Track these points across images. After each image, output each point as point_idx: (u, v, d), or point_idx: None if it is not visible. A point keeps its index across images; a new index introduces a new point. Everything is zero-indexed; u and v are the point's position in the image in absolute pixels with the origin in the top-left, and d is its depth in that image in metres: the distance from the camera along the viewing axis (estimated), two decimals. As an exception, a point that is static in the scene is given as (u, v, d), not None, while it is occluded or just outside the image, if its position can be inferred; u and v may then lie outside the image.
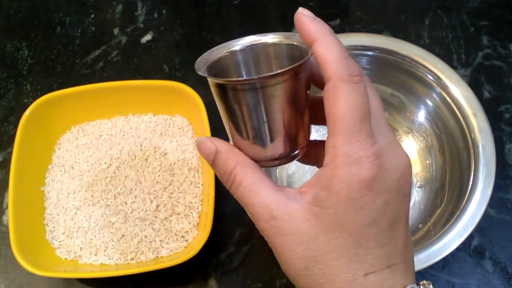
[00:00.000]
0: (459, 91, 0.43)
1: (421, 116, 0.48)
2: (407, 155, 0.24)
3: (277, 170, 0.48)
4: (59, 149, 0.50)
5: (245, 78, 0.27)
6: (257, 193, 0.24)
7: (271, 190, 0.24)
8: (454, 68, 0.53)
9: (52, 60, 0.60)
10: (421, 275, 0.45)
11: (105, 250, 0.44)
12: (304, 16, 0.24)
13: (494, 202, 0.48)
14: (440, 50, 0.58)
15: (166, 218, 0.45)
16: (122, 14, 0.63)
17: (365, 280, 0.22)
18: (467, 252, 0.46)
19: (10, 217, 0.42)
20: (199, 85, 0.50)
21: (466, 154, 0.42)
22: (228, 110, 0.25)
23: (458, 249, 0.37)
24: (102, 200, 0.46)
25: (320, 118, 0.27)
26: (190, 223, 0.45)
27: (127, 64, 0.59)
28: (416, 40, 0.59)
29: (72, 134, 0.50)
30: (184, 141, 0.49)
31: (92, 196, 0.46)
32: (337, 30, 0.60)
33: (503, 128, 0.52)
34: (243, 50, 0.27)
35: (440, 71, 0.44)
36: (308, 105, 0.25)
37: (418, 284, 0.24)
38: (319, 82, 0.25)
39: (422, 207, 0.46)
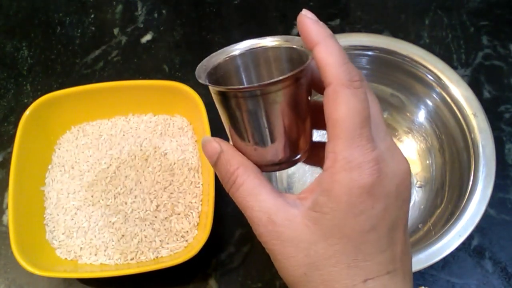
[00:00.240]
0: (459, 91, 0.43)
1: (421, 116, 0.48)
2: (406, 160, 0.24)
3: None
4: (59, 149, 0.50)
5: (246, 86, 0.27)
6: (257, 197, 0.24)
7: (271, 195, 0.24)
8: (454, 68, 0.53)
9: (52, 60, 0.60)
10: (421, 275, 0.45)
11: (105, 250, 0.44)
12: (307, 18, 0.24)
13: (494, 202, 0.48)
14: (440, 50, 0.58)
15: (166, 218, 0.45)
16: (122, 14, 0.63)
17: (365, 286, 0.22)
18: (467, 252, 0.46)
19: (10, 217, 0.42)
20: (199, 85, 0.50)
21: (466, 154, 0.42)
22: (230, 116, 0.25)
23: (458, 249, 0.37)
24: (102, 200, 0.46)
25: (321, 123, 0.27)
26: (190, 223, 0.45)
27: (127, 64, 0.59)
28: (416, 40, 0.59)
29: (72, 134, 0.50)
30: (184, 141, 0.49)
31: (92, 196, 0.46)
32: (337, 30, 0.60)
33: (503, 128, 0.52)
34: (242, 55, 0.27)
35: (440, 71, 0.44)
36: (310, 109, 0.25)
37: None
38: (319, 86, 0.25)
39: (422, 207, 0.46)
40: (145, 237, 0.44)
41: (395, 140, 0.50)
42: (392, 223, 0.23)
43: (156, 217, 0.45)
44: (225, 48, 0.27)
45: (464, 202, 0.39)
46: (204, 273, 0.46)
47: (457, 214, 0.39)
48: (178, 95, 0.48)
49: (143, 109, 0.51)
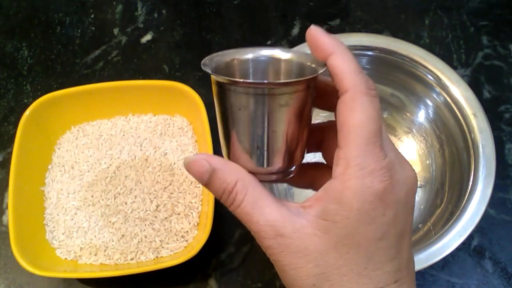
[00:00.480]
0: (459, 91, 0.43)
1: (421, 116, 0.48)
2: (412, 167, 0.24)
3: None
4: (59, 149, 0.50)
5: (257, 81, 0.25)
6: (261, 210, 0.23)
7: (274, 206, 0.23)
8: (454, 68, 0.53)
9: (52, 60, 0.60)
10: (421, 275, 0.45)
11: (105, 250, 0.44)
12: (317, 32, 0.24)
13: (494, 202, 0.48)
14: (440, 50, 0.58)
15: (166, 218, 0.45)
16: (122, 14, 0.63)
17: None
18: (467, 252, 0.46)
19: (10, 217, 0.42)
20: (199, 85, 0.50)
21: (466, 154, 0.42)
22: (230, 114, 0.24)
23: (458, 249, 0.37)
24: (102, 200, 0.46)
25: (312, 145, 0.27)
26: (190, 223, 0.45)
27: (127, 64, 0.59)
28: (416, 40, 0.59)
29: (72, 134, 0.50)
30: (184, 141, 0.49)
31: (92, 196, 0.46)
32: (337, 30, 0.60)
33: (503, 128, 0.52)
34: (255, 60, 0.26)
35: (440, 71, 0.44)
36: (310, 123, 0.25)
37: None
38: (325, 100, 0.25)
39: (422, 207, 0.46)
40: (145, 237, 0.44)
41: (395, 139, 0.50)
42: (401, 230, 0.23)
43: (156, 217, 0.45)
44: (238, 49, 0.26)
45: (464, 202, 0.39)
46: (204, 273, 0.46)
47: (457, 214, 0.39)
48: (178, 95, 0.48)
49: (143, 109, 0.51)
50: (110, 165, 0.48)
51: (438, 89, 0.45)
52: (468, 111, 0.43)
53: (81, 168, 0.48)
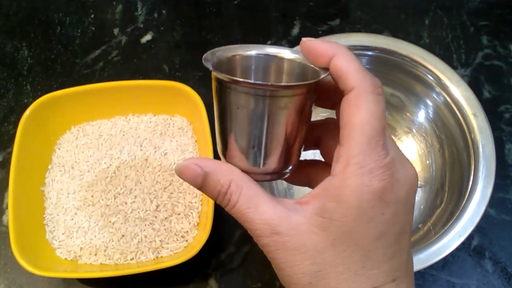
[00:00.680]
0: (459, 91, 0.43)
1: (421, 116, 0.48)
2: (413, 167, 0.24)
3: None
4: (59, 149, 0.50)
5: (257, 82, 0.25)
6: (256, 209, 0.23)
7: (269, 204, 0.23)
8: (454, 68, 0.53)
9: (52, 60, 0.60)
10: (421, 275, 0.45)
11: (105, 250, 0.44)
12: (312, 41, 0.24)
13: (494, 202, 0.48)
14: (440, 50, 0.58)
15: (166, 218, 0.45)
16: (122, 14, 0.63)
17: None
18: (467, 252, 0.46)
19: (10, 217, 0.42)
20: (199, 85, 0.50)
21: (466, 154, 0.42)
22: (228, 112, 0.24)
23: (458, 249, 0.37)
24: (102, 200, 0.46)
25: (310, 142, 0.27)
26: (190, 223, 0.45)
27: (127, 64, 0.59)
28: (416, 40, 0.59)
29: (72, 134, 0.50)
30: (184, 141, 0.49)
31: (92, 196, 0.46)
32: (337, 30, 0.60)
33: (503, 128, 0.52)
34: (258, 57, 0.26)
35: (440, 71, 0.44)
36: (308, 125, 0.25)
37: None
38: (328, 99, 0.25)
39: (422, 207, 0.46)
40: (145, 237, 0.44)
41: (395, 139, 0.50)
42: (400, 229, 0.23)
43: (156, 217, 0.45)
44: (242, 45, 0.26)
45: (464, 202, 0.39)
46: (204, 273, 0.46)
47: (457, 214, 0.39)
48: (178, 95, 0.48)
49: (143, 109, 0.51)
50: (110, 165, 0.48)
51: (438, 89, 0.45)
52: (468, 111, 0.43)
53: (81, 168, 0.48)
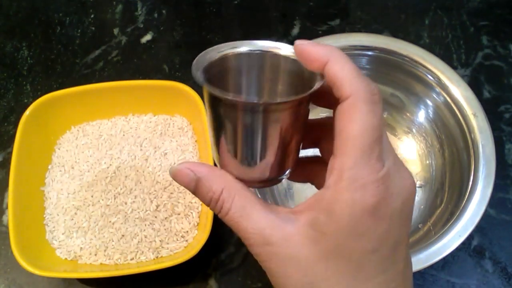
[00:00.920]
0: (459, 91, 0.43)
1: (421, 116, 0.48)
2: (411, 175, 0.23)
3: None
4: (59, 149, 0.50)
5: (252, 100, 0.24)
6: (248, 218, 0.23)
7: (262, 213, 0.23)
8: (454, 68, 0.53)
9: (52, 60, 0.60)
10: (421, 275, 0.45)
11: (105, 250, 0.44)
12: (304, 44, 0.23)
13: (494, 202, 0.48)
14: (440, 50, 0.58)
15: (166, 218, 0.45)
16: (122, 14, 0.63)
17: None
18: (467, 252, 0.46)
19: (10, 217, 0.42)
20: (199, 85, 0.50)
21: (466, 154, 0.42)
22: (220, 123, 0.23)
23: (458, 249, 0.37)
24: (102, 200, 0.46)
25: (309, 142, 0.27)
26: (190, 223, 0.45)
27: (127, 64, 0.59)
28: (416, 40, 0.59)
29: (72, 134, 0.50)
30: (184, 141, 0.49)
31: (92, 196, 0.46)
32: (337, 30, 0.60)
33: (503, 128, 0.52)
34: (251, 55, 0.25)
35: (440, 71, 0.44)
36: (304, 132, 0.24)
37: None
38: (326, 101, 0.24)
39: (422, 207, 0.46)
40: (145, 237, 0.44)
41: (395, 139, 0.50)
42: (395, 242, 0.22)
43: (156, 217, 0.45)
44: (233, 42, 0.25)
45: (464, 202, 0.39)
46: (204, 273, 0.46)
47: (457, 214, 0.39)
48: (178, 95, 0.48)
49: (143, 109, 0.51)
50: (110, 165, 0.48)
51: (438, 89, 0.45)
52: (468, 111, 0.43)
53: (81, 168, 0.48)
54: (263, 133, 0.22)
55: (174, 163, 0.48)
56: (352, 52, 0.46)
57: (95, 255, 0.44)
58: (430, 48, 0.56)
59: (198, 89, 0.47)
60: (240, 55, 0.25)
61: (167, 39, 0.61)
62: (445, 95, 0.44)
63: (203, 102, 0.46)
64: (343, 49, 0.46)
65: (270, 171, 0.24)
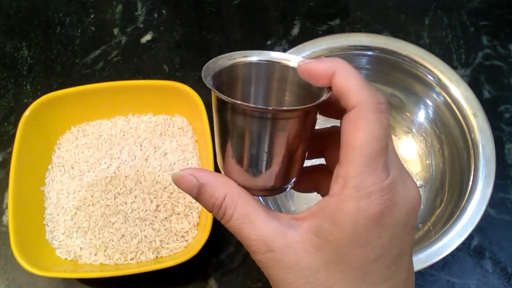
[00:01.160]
0: (459, 91, 0.43)
1: (421, 116, 0.48)
2: (416, 185, 0.23)
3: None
4: (59, 149, 0.50)
5: (261, 107, 0.25)
6: (251, 225, 0.23)
7: (265, 219, 0.23)
8: (454, 68, 0.53)
9: (52, 60, 0.60)
10: (421, 275, 0.45)
11: (105, 250, 0.44)
12: (307, 63, 0.23)
13: (494, 202, 0.48)
14: (440, 50, 0.58)
15: (166, 218, 0.45)
16: (122, 14, 0.63)
17: None
18: (467, 252, 0.46)
19: (10, 217, 0.42)
20: (199, 85, 0.50)
21: (466, 154, 0.42)
22: (227, 128, 0.23)
23: (458, 249, 0.37)
24: (102, 200, 0.46)
25: (314, 151, 0.27)
26: (190, 223, 0.45)
27: (127, 64, 0.59)
28: (416, 40, 0.59)
29: (72, 134, 0.50)
30: (184, 141, 0.49)
31: (92, 196, 0.46)
32: (337, 30, 0.60)
33: (503, 128, 0.52)
34: (260, 64, 0.25)
35: (440, 71, 0.44)
36: (309, 142, 0.25)
37: None
38: (333, 111, 0.24)
39: (422, 207, 0.46)
40: (145, 237, 0.44)
41: (395, 139, 0.50)
42: (399, 251, 0.22)
43: (156, 217, 0.45)
44: (243, 51, 0.25)
45: (464, 202, 0.39)
46: (204, 273, 0.46)
47: (457, 214, 0.39)
48: (178, 95, 0.48)
49: (143, 109, 0.51)
50: (110, 165, 0.48)
51: (438, 89, 0.45)
52: (468, 111, 0.43)
53: (81, 168, 0.48)
54: (269, 141, 0.23)
55: (174, 163, 0.48)
56: (352, 52, 0.46)
57: (95, 255, 0.44)
58: (430, 48, 0.57)
59: (198, 89, 0.47)
60: (249, 64, 0.25)
61: (167, 39, 0.61)
62: (445, 95, 0.44)
63: (203, 102, 0.46)
64: (343, 49, 0.46)
65: (275, 179, 0.24)
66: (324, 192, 0.27)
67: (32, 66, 0.60)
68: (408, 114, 0.49)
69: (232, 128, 0.23)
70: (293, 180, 0.25)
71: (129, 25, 0.62)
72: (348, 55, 0.46)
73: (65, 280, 0.46)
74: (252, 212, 0.23)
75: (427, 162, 0.48)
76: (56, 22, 0.63)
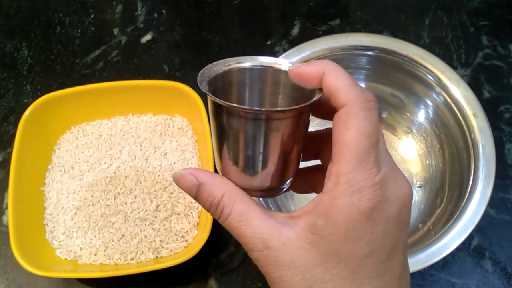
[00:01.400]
0: (459, 91, 0.43)
1: (421, 116, 0.48)
2: (408, 182, 0.24)
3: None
4: (59, 149, 0.50)
5: (255, 108, 0.26)
6: (248, 223, 0.23)
7: (261, 218, 0.23)
8: (454, 68, 0.53)
9: (52, 60, 0.60)
10: (421, 275, 0.45)
11: (105, 250, 0.44)
12: (298, 67, 0.24)
13: (494, 202, 0.48)
14: (440, 50, 0.58)
15: (166, 218, 0.45)
16: (122, 14, 0.63)
17: None
18: (467, 252, 0.46)
19: (10, 217, 0.42)
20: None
21: (466, 154, 0.42)
22: (223, 131, 0.24)
23: (458, 249, 0.37)
24: (102, 200, 0.46)
25: (310, 153, 0.27)
26: (190, 223, 0.45)
27: (127, 64, 0.59)
28: (416, 40, 0.59)
29: (72, 134, 0.50)
30: (184, 141, 0.49)
31: (92, 196, 0.46)
32: (337, 30, 0.60)
33: (503, 128, 0.52)
34: (254, 69, 0.26)
35: (440, 71, 0.44)
36: (304, 142, 0.25)
37: None
38: (324, 112, 0.25)
39: (422, 207, 0.46)
40: (145, 237, 0.44)
41: (395, 139, 0.50)
42: (392, 247, 0.23)
43: (156, 217, 0.45)
44: (237, 58, 0.26)
45: (464, 202, 0.39)
46: (204, 273, 0.46)
47: (457, 214, 0.39)
48: (178, 95, 0.48)
49: (143, 109, 0.51)
50: (110, 165, 0.48)
51: (438, 89, 0.45)
52: (468, 111, 0.43)
53: (81, 168, 0.48)
54: (264, 142, 0.23)
55: (174, 163, 0.48)
56: (352, 52, 0.46)
57: (95, 255, 0.44)
58: (430, 48, 0.57)
59: (198, 89, 0.47)
60: (244, 69, 0.26)
61: (167, 39, 0.61)
62: (445, 95, 0.44)
63: (203, 102, 0.46)
64: (343, 49, 0.46)
65: (271, 180, 0.25)
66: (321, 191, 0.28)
67: (32, 66, 0.60)
68: (408, 114, 0.49)
69: (228, 131, 0.24)
70: (289, 180, 0.26)
71: (129, 25, 0.62)
72: (348, 55, 0.46)
73: (65, 280, 0.46)
74: (249, 211, 0.23)
75: (427, 162, 0.48)
76: (56, 22, 0.63)
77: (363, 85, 0.49)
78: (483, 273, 0.45)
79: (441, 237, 0.38)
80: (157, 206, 0.45)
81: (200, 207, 0.45)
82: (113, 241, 0.44)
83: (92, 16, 0.63)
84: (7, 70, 0.59)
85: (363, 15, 0.61)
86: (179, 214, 0.45)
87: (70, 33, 0.62)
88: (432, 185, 0.46)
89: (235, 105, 0.22)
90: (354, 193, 0.21)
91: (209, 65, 0.25)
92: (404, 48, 0.45)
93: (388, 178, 0.22)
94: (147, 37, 0.61)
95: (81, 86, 0.48)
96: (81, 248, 0.44)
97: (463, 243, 0.37)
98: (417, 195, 0.47)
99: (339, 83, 0.22)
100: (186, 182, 0.24)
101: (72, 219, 0.46)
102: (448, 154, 0.46)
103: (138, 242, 0.44)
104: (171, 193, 0.46)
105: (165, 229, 0.44)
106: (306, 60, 0.45)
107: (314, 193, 0.29)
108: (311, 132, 0.26)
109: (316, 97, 0.23)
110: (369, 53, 0.46)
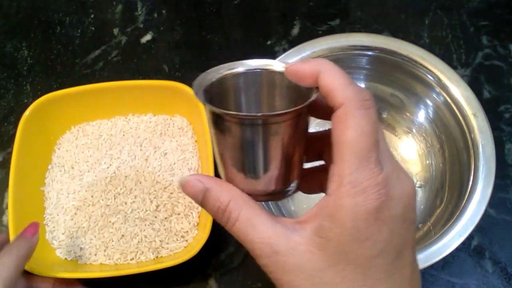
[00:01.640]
0: (459, 91, 0.43)
1: (421, 116, 0.48)
2: (411, 180, 0.23)
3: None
4: (59, 149, 0.50)
5: (252, 114, 0.25)
6: (255, 228, 0.23)
7: (269, 223, 0.23)
8: (454, 68, 0.53)
9: (52, 60, 0.60)
10: (421, 275, 0.45)
11: (105, 250, 0.44)
12: (294, 65, 0.24)
13: (494, 202, 0.48)
14: (440, 50, 0.58)
15: (166, 218, 0.45)
16: (122, 14, 0.63)
17: None
18: (467, 252, 0.46)
19: (10, 217, 0.42)
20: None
21: (466, 154, 0.42)
22: (224, 141, 0.24)
23: (458, 249, 0.37)
24: (102, 200, 0.46)
25: (313, 154, 0.27)
26: (190, 223, 0.45)
27: (127, 64, 0.59)
28: (416, 40, 0.59)
29: (72, 134, 0.50)
30: (184, 141, 0.49)
31: (92, 196, 0.46)
32: (337, 30, 0.60)
33: (503, 128, 0.52)
34: (248, 74, 0.26)
35: (440, 71, 0.44)
36: (306, 140, 0.25)
37: None
38: (322, 112, 0.24)
39: (422, 207, 0.46)
40: (145, 237, 0.44)
41: (395, 139, 0.50)
42: (400, 246, 0.22)
43: (156, 217, 0.45)
44: (230, 63, 0.26)
45: (464, 202, 0.39)
46: (204, 273, 0.46)
47: (457, 214, 0.39)
48: (178, 95, 0.48)
49: (143, 109, 0.51)
50: (110, 165, 0.48)
51: (438, 89, 0.45)
52: (468, 111, 0.43)
53: (81, 168, 0.48)
54: (264, 146, 0.23)
55: (174, 163, 0.48)
56: (352, 52, 0.46)
57: (95, 255, 0.44)
58: (430, 48, 0.56)
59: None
60: (238, 74, 0.26)
61: (167, 39, 0.61)
62: (445, 95, 0.44)
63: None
64: (343, 49, 0.46)
65: (275, 183, 0.24)
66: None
67: (32, 66, 0.60)
68: (408, 114, 0.49)
69: (228, 138, 0.23)
70: (294, 183, 0.26)
71: (129, 25, 0.62)
72: (348, 55, 0.46)
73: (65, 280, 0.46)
74: (256, 216, 0.23)
75: (427, 162, 0.48)
76: (56, 22, 0.63)
77: (363, 85, 0.49)
78: (483, 273, 0.45)
79: (441, 237, 0.38)
80: (157, 206, 0.45)
81: (200, 207, 0.45)
82: (113, 241, 0.44)
83: (92, 16, 0.63)
84: (7, 70, 0.59)
85: (363, 15, 0.61)
86: (179, 214, 0.45)
87: (70, 33, 0.62)
88: (432, 185, 0.46)
89: (231, 112, 0.23)
90: (358, 193, 0.21)
91: (203, 74, 0.25)
92: (404, 48, 0.45)
93: (391, 177, 0.22)
94: (147, 37, 0.61)
95: (81, 86, 0.48)
96: (81, 248, 0.44)
97: (463, 243, 0.37)
98: (417, 195, 0.47)
99: (334, 83, 0.22)
100: (193, 187, 0.24)
101: (72, 219, 0.46)
102: (448, 154, 0.46)
103: (138, 242, 0.44)
104: (171, 193, 0.46)
105: (165, 229, 0.44)
106: (306, 60, 0.45)
107: (316, 194, 0.29)
108: (313, 133, 0.26)
109: (313, 97, 0.23)
110: (369, 53, 0.46)
